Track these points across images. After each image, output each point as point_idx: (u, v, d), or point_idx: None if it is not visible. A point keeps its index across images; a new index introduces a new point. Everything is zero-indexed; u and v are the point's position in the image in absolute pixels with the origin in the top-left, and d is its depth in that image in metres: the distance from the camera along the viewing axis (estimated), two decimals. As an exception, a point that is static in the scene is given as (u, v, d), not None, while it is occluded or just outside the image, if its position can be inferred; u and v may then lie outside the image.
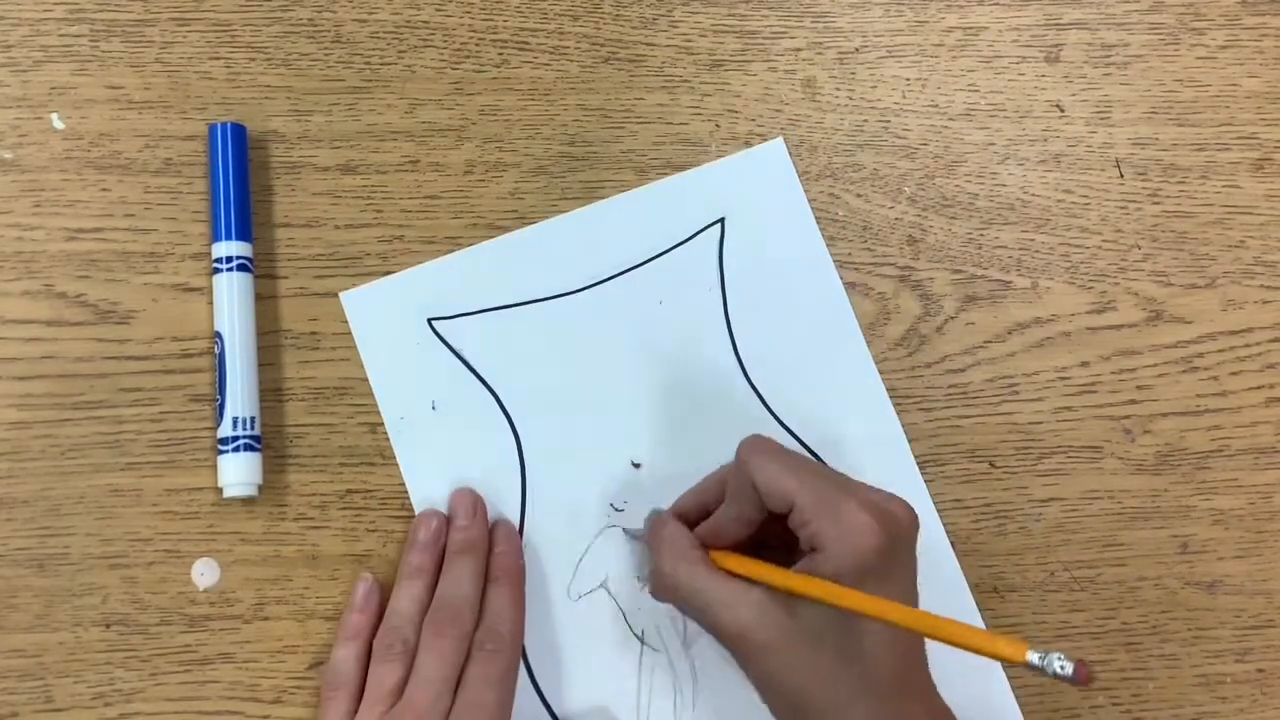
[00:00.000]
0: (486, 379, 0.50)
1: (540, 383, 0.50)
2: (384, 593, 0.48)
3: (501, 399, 0.50)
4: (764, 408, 0.51)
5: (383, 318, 0.50)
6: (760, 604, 0.42)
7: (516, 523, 0.49)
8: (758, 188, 0.53)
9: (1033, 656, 0.34)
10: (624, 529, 0.50)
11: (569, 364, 0.51)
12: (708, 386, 0.51)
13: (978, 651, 0.36)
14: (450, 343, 0.50)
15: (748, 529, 0.44)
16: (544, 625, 0.49)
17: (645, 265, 0.52)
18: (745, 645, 0.42)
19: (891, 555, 0.41)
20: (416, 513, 0.49)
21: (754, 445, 0.44)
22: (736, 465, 0.44)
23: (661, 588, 0.45)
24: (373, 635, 0.47)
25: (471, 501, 0.48)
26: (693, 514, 0.47)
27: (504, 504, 0.50)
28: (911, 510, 0.43)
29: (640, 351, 0.51)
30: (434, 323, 0.50)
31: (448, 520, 0.48)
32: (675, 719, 0.49)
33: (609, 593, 0.49)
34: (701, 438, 0.50)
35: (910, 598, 0.43)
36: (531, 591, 0.49)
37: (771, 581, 0.42)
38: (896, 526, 0.42)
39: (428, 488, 0.49)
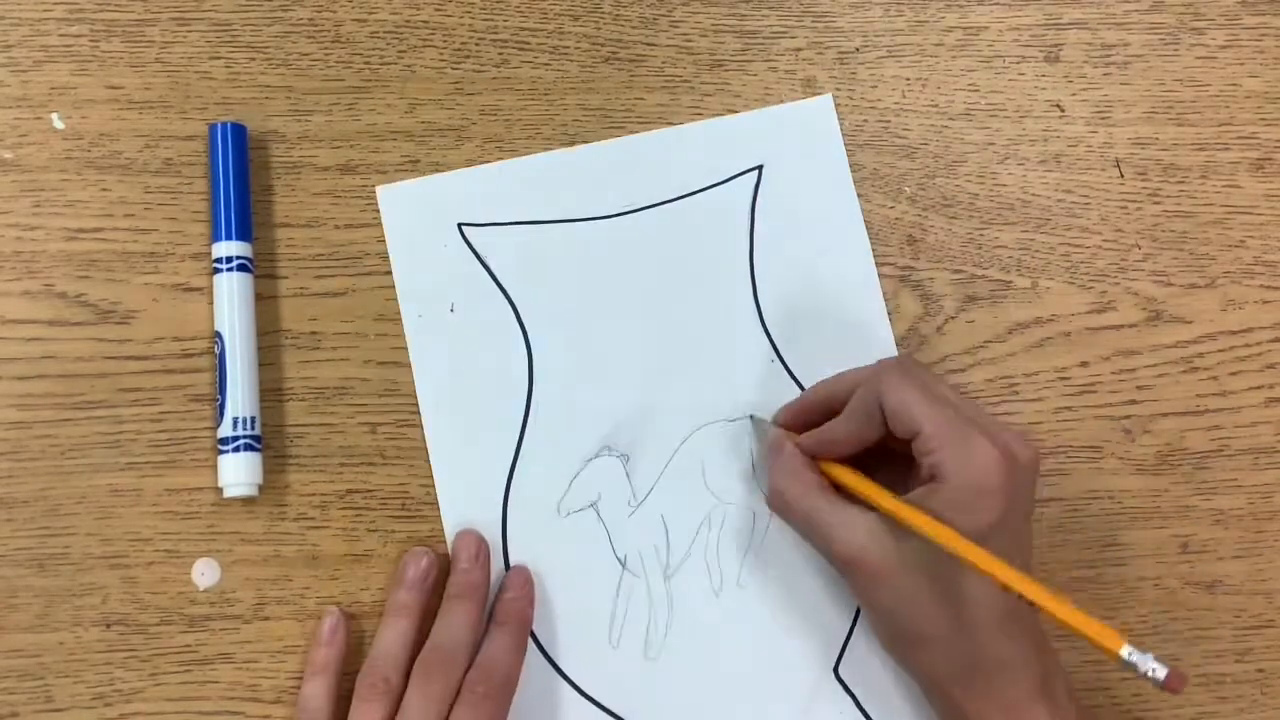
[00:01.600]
0: (507, 290, 0.51)
1: (560, 301, 0.51)
2: (351, 626, 0.48)
3: (519, 311, 0.51)
4: (775, 355, 0.51)
5: (415, 216, 0.51)
6: (872, 530, 0.43)
7: (517, 434, 0.50)
8: (800, 141, 0.53)
9: (1126, 652, 0.34)
10: (754, 416, 0.50)
11: (591, 287, 0.51)
12: (723, 327, 0.51)
13: (1073, 630, 0.36)
14: (477, 250, 0.51)
15: (859, 447, 0.45)
16: (530, 538, 0.49)
17: (679, 201, 0.52)
18: (856, 571, 0.43)
19: (1011, 496, 0.41)
20: (420, 407, 0.49)
21: (890, 368, 0.44)
22: (869, 383, 0.44)
23: (777, 504, 0.46)
24: (341, 669, 0.47)
25: (475, 545, 0.48)
26: (797, 424, 0.48)
27: (507, 412, 0.50)
28: (1034, 450, 0.43)
29: (662, 283, 0.51)
30: (464, 228, 0.51)
31: (437, 560, 0.48)
32: (645, 643, 0.49)
33: (598, 514, 0.50)
34: (709, 374, 0.51)
35: (1023, 539, 0.43)
36: (521, 505, 0.49)
37: (880, 505, 0.42)
38: (1019, 467, 0.42)
39: (436, 387, 0.50)
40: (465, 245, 0.51)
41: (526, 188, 0.51)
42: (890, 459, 0.45)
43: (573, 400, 0.50)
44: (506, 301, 0.51)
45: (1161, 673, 0.34)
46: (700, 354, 0.51)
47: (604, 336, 0.51)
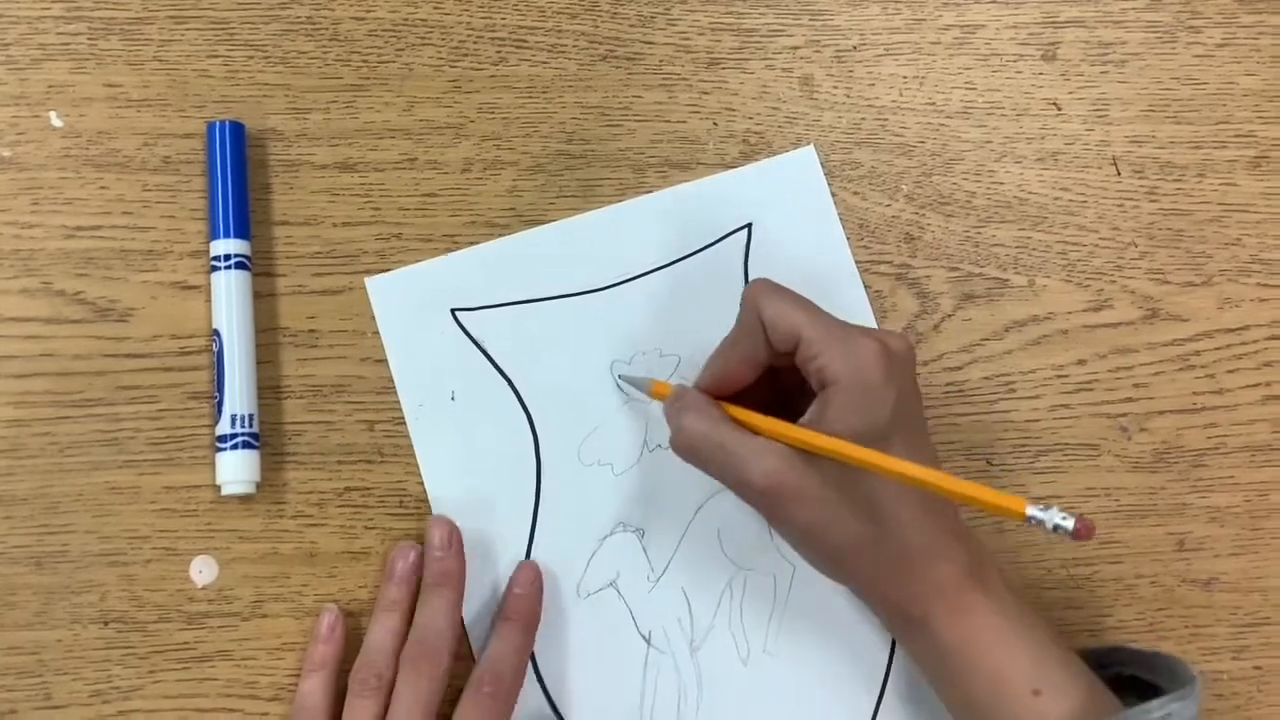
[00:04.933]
0: (507, 372, 0.50)
1: (561, 379, 0.50)
2: (348, 623, 0.48)
3: (520, 393, 0.50)
4: None
5: (407, 306, 0.50)
6: (786, 454, 0.42)
7: (529, 519, 0.49)
8: (787, 195, 0.53)
9: (1032, 510, 0.35)
10: (621, 376, 0.50)
11: (590, 361, 0.51)
12: None
13: (978, 504, 0.37)
14: (473, 334, 0.50)
15: (753, 371, 0.45)
16: (552, 622, 0.49)
17: (671, 266, 0.52)
18: (775, 496, 0.42)
19: (897, 384, 0.42)
20: (431, 502, 0.49)
21: (762, 285, 0.45)
22: (744, 303, 0.45)
23: (684, 444, 0.44)
24: (338, 666, 0.47)
25: (447, 531, 0.48)
26: (712, 385, 0.46)
27: (518, 499, 0.50)
28: (908, 341, 0.44)
29: (662, 351, 0.51)
30: (458, 313, 0.50)
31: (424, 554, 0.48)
32: None
33: (618, 592, 0.49)
34: None
35: (920, 426, 0.44)
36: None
37: (780, 434, 0.42)
38: (897, 357, 0.43)
39: (443, 477, 0.49)
40: (460, 330, 0.50)
41: (516, 267, 0.51)
42: (787, 402, 0.45)
43: (582, 479, 0.50)
44: (507, 384, 0.50)
45: (1070, 523, 0.34)
46: None
47: (609, 411, 0.50)
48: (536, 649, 0.48)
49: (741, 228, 0.52)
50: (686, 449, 0.44)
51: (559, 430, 0.50)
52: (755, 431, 0.43)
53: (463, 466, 0.49)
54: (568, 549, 0.49)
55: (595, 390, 0.50)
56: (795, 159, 0.53)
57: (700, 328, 0.50)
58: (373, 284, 0.50)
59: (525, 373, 0.50)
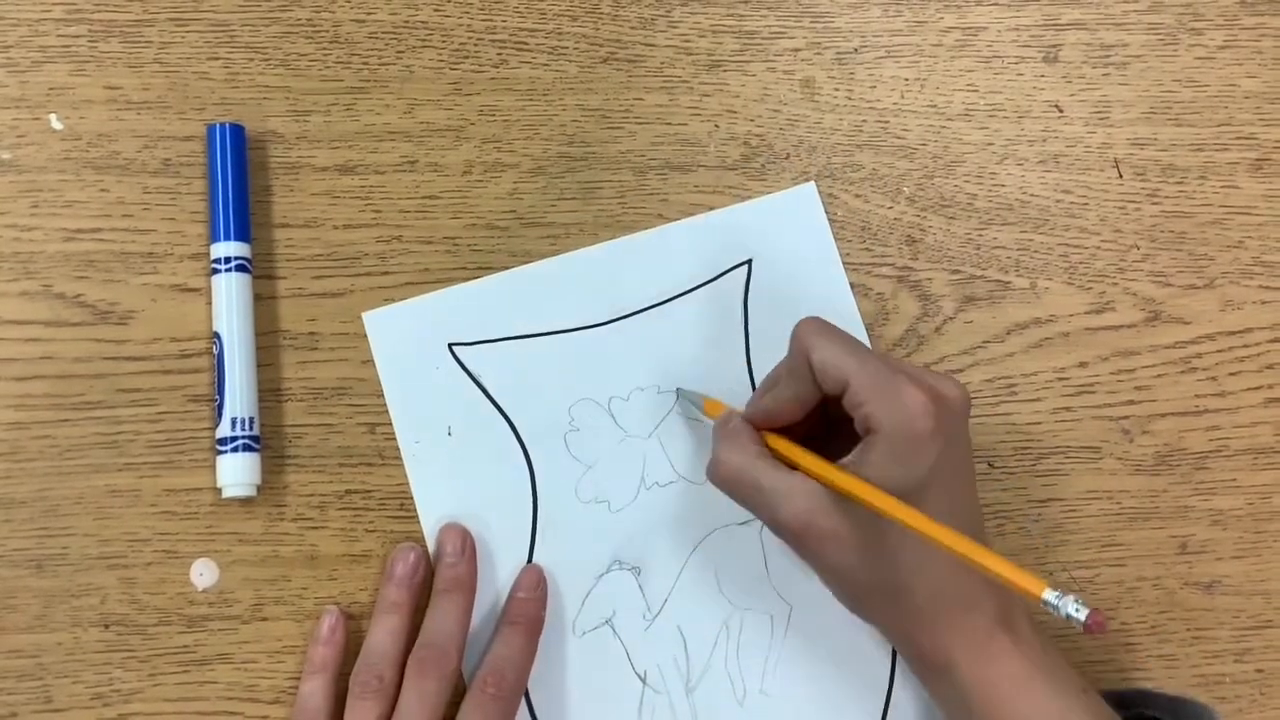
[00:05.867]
0: (504, 408, 0.50)
1: (558, 415, 0.50)
2: (349, 625, 0.48)
3: (518, 429, 0.50)
4: None
5: (404, 340, 0.50)
6: (818, 494, 0.42)
7: (525, 556, 0.49)
8: (787, 230, 0.52)
9: (1049, 595, 0.35)
10: (680, 390, 0.50)
11: (588, 398, 0.50)
12: None
13: (998, 578, 0.37)
14: (470, 369, 0.50)
15: (802, 410, 0.44)
16: (547, 660, 0.48)
17: (670, 302, 0.51)
18: (804, 536, 0.42)
19: (944, 436, 0.41)
20: (425, 537, 0.49)
21: (812, 325, 0.44)
22: (794, 344, 0.44)
23: (719, 477, 0.44)
24: (339, 668, 0.47)
25: (460, 538, 0.48)
26: (759, 419, 0.46)
27: (514, 535, 0.49)
28: (963, 389, 0.43)
29: (661, 388, 0.51)
30: (455, 348, 0.50)
31: (426, 556, 0.48)
32: None
33: (614, 630, 0.49)
34: None
35: (964, 478, 0.44)
36: None
37: (815, 473, 0.42)
38: (949, 406, 0.42)
39: (439, 513, 0.49)
40: (458, 365, 0.50)
41: (515, 301, 0.50)
42: (840, 428, 0.44)
43: (579, 516, 0.49)
44: (504, 420, 0.50)
45: (1083, 614, 0.34)
46: (705, 456, 0.49)
47: (606, 447, 0.50)
48: (531, 686, 0.48)
49: (742, 263, 0.52)
50: (720, 481, 0.45)
51: (556, 467, 0.50)
52: (794, 465, 0.43)
53: (459, 502, 0.49)
54: (563, 586, 0.49)
55: (594, 426, 0.50)
56: (796, 195, 0.53)
57: (700, 364, 0.50)
58: (370, 318, 0.50)
59: (523, 408, 0.50)
